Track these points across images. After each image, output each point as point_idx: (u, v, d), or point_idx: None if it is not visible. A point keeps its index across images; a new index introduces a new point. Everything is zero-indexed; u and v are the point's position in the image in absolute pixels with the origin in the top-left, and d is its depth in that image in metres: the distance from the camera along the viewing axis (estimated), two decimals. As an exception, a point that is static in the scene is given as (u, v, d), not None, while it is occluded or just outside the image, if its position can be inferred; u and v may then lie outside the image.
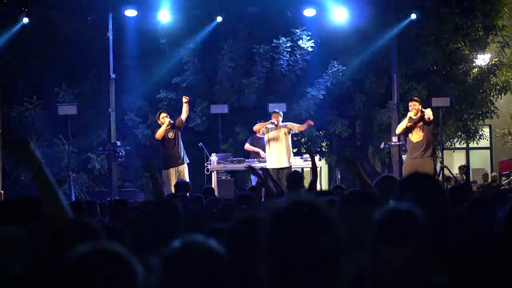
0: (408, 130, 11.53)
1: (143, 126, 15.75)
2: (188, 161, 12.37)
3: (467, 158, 20.91)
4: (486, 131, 18.98)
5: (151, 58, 15.90)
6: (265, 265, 2.03)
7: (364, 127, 17.07)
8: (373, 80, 15.87)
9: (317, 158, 13.29)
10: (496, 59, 17.49)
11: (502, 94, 17.40)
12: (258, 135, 12.91)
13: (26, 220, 3.79)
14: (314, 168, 7.51)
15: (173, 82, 15.76)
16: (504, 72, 17.25)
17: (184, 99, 12.16)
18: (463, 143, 18.19)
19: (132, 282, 1.98)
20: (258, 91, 15.68)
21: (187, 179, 12.06)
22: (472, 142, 18.12)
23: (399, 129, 11.72)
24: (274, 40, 15.41)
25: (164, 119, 12.08)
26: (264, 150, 12.54)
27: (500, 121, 18.85)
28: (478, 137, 17.53)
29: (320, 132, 16.52)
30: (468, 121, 17.05)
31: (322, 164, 13.92)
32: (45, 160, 4.89)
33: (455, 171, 17.38)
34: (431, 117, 11.40)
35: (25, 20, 14.72)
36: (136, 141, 15.74)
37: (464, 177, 16.50)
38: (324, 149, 16.96)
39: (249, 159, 13.17)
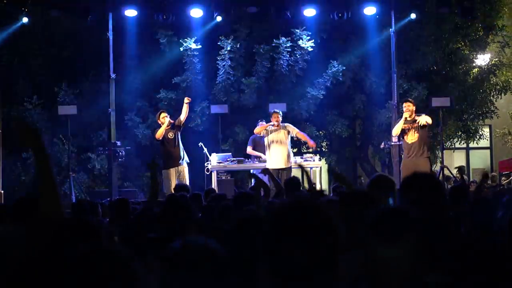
0: (403, 132, 11.52)
1: (143, 126, 15.75)
2: (188, 161, 12.38)
3: (467, 158, 20.87)
4: (486, 131, 18.96)
5: (151, 58, 15.92)
6: (264, 265, 2.04)
7: (364, 127, 17.06)
8: (373, 80, 15.86)
9: (317, 158, 13.30)
10: (496, 59, 17.48)
11: (502, 94, 17.39)
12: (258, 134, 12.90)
13: (25, 220, 3.79)
14: (309, 180, 7.49)
15: (173, 82, 15.77)
16: (504, 72, 17.24)
17: (186, 100, 12.18)
18: (463, 143, 18.16)
19: (132, 282, 1.98)
20: (258, 91, 15.68)
21: (187, 179, 12.08)
22: (472, 142, 18.09)
23: (395, 131, 11.68)
24: (274, 40, 15.41)
25: (164, 119, 12.10)
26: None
27: (500, 121, 18.84)
28: (478, 137, 17.51)
29: (320, 132, 16.53)
30: (468, 121, 17.03)
31: (322, 164, 13.90)
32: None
33: (455, 171, 17.34)
34: (425, 123, 11.38)
35: (25, 19, 14.74)
36: (136, 141, 15.73)
37: (459, 176, 16.42)
38: (324, 149, 16.97)
39: (249, 159, 13.17)
